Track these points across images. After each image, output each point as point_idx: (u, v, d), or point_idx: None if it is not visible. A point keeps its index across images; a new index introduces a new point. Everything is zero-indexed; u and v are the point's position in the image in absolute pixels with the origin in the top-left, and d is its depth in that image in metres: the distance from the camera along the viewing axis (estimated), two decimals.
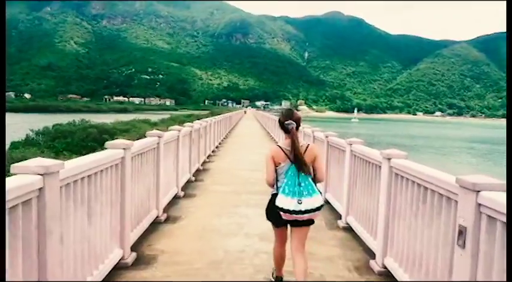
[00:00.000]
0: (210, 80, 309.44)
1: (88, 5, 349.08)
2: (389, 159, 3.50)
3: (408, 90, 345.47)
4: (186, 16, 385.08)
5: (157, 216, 4.94)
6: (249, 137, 20.42)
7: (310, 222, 3.05)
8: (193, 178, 7.85)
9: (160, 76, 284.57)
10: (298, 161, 2.92)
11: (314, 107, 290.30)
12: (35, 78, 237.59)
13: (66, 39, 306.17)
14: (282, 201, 2.87)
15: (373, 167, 4.10)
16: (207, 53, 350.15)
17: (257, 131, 26.09)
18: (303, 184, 2.88)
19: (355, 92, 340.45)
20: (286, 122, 3.01)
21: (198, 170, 8.97)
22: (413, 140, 51.49)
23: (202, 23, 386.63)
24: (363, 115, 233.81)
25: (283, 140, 3.17)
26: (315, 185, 2.98)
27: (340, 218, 5.21)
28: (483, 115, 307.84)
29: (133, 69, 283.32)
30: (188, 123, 7.87)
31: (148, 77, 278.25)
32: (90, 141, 21.35)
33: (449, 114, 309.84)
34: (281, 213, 2.92)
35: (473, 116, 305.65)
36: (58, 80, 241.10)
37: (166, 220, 5.04)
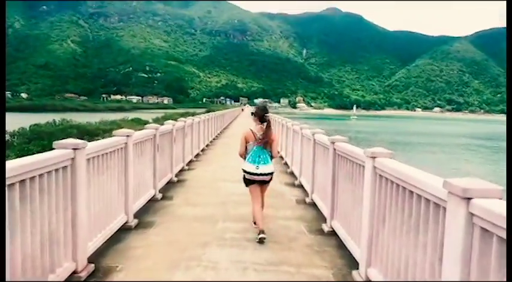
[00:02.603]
0: (208, 78, 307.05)
1: (84, 3, 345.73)
2: (468, 199, 1.73)
3: (407, 87, 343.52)
4: (183, 14, 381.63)
5: (74, 272, 3.17)
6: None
7: (269, 181, 4.62)
8: (159, 195, 6.08)
9: (158, 74, 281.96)
10: (266, 142, 4.53)
11: (313, 104, 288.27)
12: (31, 78, 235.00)
13: (63, 38, 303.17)
14: (246, 166, 4.52)
15: (423, 202, 2.32)
16: (205, 51, 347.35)
17: None
18: (261, 157, 4.50)
19: (354, 89, 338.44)
20: (265, 115, 4.59)
21: (170, 183, 7.21)
22: (416, 137, 49.71)
23: (200, 21, 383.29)
24: (362, 112, 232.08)
25: (254, 125, 4.64)
26: (270, 158, 4.58)
27: (357, 267, 3.45)
28: (482, 111, 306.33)
29: (130, 68, 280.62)
30: (151, 124, 6.05)
31: (146, 76, 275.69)
32: None
33: (448, 110, 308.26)
34: (244, 173, 4.54)
35: (472, 111, 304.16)
36: (55, 79, 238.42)
37: (91, 276, 3.27)
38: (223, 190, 6.71)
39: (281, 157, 11.37)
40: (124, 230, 4.41)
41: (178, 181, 7.50)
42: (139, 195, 5.14)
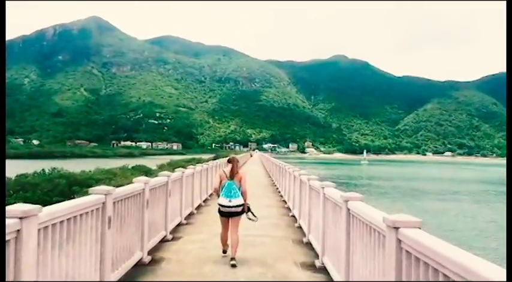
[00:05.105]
0: (218, 123, 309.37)
1: (98, 53, 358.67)
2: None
3: (416, 131, 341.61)
4: (193, 62, 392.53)
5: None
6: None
7: (239, 214, 5.66)
8: None
9: (168, 121, 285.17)
10: (232, 175, 5.75)
11: (322, 148, 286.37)
12: (44, 125, 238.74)
13: (77, 86, 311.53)
14: (220, 200, 5.65)
15: None
16: (214, 98, 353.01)
17: (261, 179, 22.13)
18: (232, 192, 5.59)
19: (363, 133, 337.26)
20: (229, 158, 6.05)
21: (138, 266, 5.09)
22: (438, 183, 46.86)
23: (210, 68, 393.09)
24: (372, 156, 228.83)
25: (228, 168, 5.87)
26: (240, 193, 5.66)
27: None
28: (494, 154, 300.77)
29: (141, 114, 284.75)
30: (101, 186, 4.00)
31: (156, 122, 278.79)
32: (56, 195, 17.81)
33: (460, 154, 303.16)
34: (220, 207, 5.66)
35: (483, 155, 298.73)
36: (67, 126, 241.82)
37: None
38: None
39: (293, 217, 9.22)
40: None
41: (151, 262, 5.36)
42: None
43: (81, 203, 3.43)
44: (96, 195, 3.78)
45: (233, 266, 5.23)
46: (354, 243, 3.72)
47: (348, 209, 3.88)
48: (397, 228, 2.52)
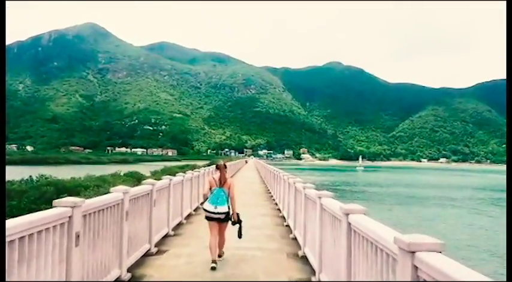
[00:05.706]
0: (213, 130, 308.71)
1: (94, 59, 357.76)
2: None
3: (411, 137, 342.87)
4: (189, 69, 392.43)
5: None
6: (241, 197, 15.93)
7: (226, 220, 5.78)
8: None
9: (163, 127, 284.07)
10: (221, 182, 5.84)
11: (317, 155, 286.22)
12: (38, 131, 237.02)
13: (72, 92, 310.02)
14: (206, 206, 5.75)
15: None
16: (210, 104, 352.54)
17: (255, 186, 21.62)
18: (219, 199, 5.69)
19: (358, 140, 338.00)
20: (217, 164, 6.17)
21: (120, 279, 4.59)
22: (433, 189, 46.50)
23: (205, 75, 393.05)
24: (367, 163, 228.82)
25: (217, 174, 5.98)
26: (227, 201, 5.74)
27: None
28: (488, 161, 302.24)
29: (136, 121, 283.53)
30: (67, 198, 3.51)
31: (151, 128, 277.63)
32: (43, 202, 17.27)
33: (454, 161, 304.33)
34: (205, 212, 5.77)
35: (478, 162, 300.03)
36: (61, 132, 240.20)
37: None
38: None
39: (288, 227, 8.72)
40: None
41: (131, 280, 4.84)
42: None
43: (39, 218, 2.94)
44: (61, 208, 3.30)
45: (219, 256, 5.80)
46: (356, 263, 3.26)
47: (349, 224, 3.42)
48: (413, 252, 2.08)
